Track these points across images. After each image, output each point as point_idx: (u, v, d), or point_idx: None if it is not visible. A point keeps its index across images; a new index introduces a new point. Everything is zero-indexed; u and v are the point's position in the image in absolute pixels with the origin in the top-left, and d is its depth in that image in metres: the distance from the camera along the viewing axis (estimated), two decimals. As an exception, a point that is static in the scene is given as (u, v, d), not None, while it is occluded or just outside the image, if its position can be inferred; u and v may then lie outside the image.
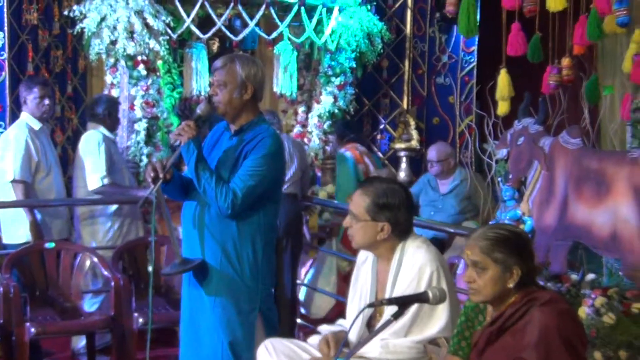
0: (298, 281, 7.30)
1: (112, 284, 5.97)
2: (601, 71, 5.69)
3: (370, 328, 3.97)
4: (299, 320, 7.19)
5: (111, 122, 7.03)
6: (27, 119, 6.60)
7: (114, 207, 6.89)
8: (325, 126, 8.89)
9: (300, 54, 8.88)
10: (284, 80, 8.71)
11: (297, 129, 9.12)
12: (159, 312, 6.16)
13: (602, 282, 4.74)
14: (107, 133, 6.93)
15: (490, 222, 5.38)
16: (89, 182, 6.72)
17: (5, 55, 7.98)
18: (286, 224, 6.69)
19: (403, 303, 3.32)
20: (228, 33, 8.18)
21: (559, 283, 4.77)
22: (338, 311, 6.97)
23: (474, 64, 9.52)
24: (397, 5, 9.77)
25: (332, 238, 7.94)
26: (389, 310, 3.64)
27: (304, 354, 4.10)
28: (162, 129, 7.94)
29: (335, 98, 8.87)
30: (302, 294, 7.68)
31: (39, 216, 6.50)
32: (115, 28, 7.55)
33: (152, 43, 7.60)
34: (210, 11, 7.95)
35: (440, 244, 7.15)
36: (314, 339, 4.20)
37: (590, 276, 4.75)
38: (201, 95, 8.27)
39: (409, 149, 9.44)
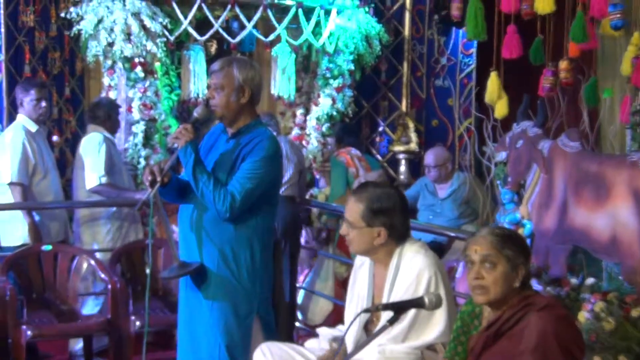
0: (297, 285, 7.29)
1: (109, 286, 5.96)
2: (600, 74, 5.68)
3: (368, 332, 3.96)
4: (297, 324, 7.17)
5: (111, 125, 7.06)
6: (24, 121, 6.58)
7: (113, 208, 6.88)
8: (323, 129, 8.87)
9: (298, 56, 8.86)
10: (282, 83, 8.69)
11: (296, 131, 9.10)
12: (156, 315, 6.14)
13: (601, 286, 4.72)
14: (107, 135, 6.93)
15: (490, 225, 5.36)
16: (87, 180, 6.72)
17: (2, 57, 7.98)
18: (284, 226, 6.67)
19: (399, 308, 3.30)
20: (226, 35, 8.17)
21: (559, 287, 4.75)
22: (335, 319, 6.96)
23: (473, 66, 9.50)
24: (395, 8, 9.74)
25: (329, 243, 7.92)
26: (386, 314, 3.62)
27: (300, 358, 4.09)
28: (159, 131, 7.93)
29: (334, 100, 8.85)
30: (299, 298, 7.66)
31: (36, 218, 6.49)
32: (112, 30, 7.52)
33: (150, 45, 7.58)
34: (208, 13, 7.93)
35: (439, 248, 7.14)
36: (311, 343, 4.19)
37: (590, 280, 4.73)
38: (199, 97, 8.25)
39: (408, 151, 9.42)
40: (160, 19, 7.66)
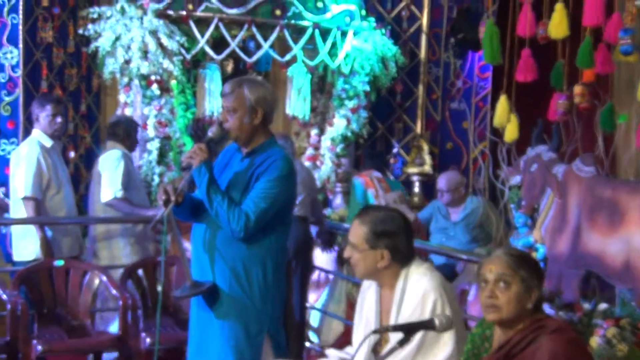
0: (307, 304, 7.27)
1: (120, 303, 5.95)
2: (616, 99, 5.66)
3: (376, 354, 3.94)
4: (307, 344, 7.15)
5: (130, 143, 7.08)
6: (39, 136, 6.61)
7: (128, 225, 6.90)
8: (338, 149, 8.88)
9: (314, 76, 8.88)
10: (297, 103, 8.71)
11: (310, 151, 9.11)
12: (167, 332, 6.13)
13: (614, 312, 4.69)
14: (126, 152, 6.95)
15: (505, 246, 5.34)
16: (102, 194, 6.75)
17: (20, 72, 8.02)
18: (295, 246, 6.67)
19: (409, 330, 3.30)
20: (242, 54, 8.20)
21: (571, 312, 4.73)
22: (346, 340, 6.93)
23: (489, 89, 9.50)
24: (412, 30, 9.77)
25: (343, 263, 7.91)
26: (395, 336, 3.61)
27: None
28: (174, 149, 7.95)
29: (349, 121, 8.86)
30: (314, 319, 7.64)
31: (49, 233, 6.50)
32: (129, 47, 7.58)
33: (166, 63, 7.62)
34: (225, 32, 7.97)
35: (452, 271, 7.12)
36: (320, 364, 4.17)
37: (603, 306, 4.70)
38: (214, 115, 8.27)
39: (422, 173, 9.42)
40: (178, 38, 7.70)
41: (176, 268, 6.29)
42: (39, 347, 5.66)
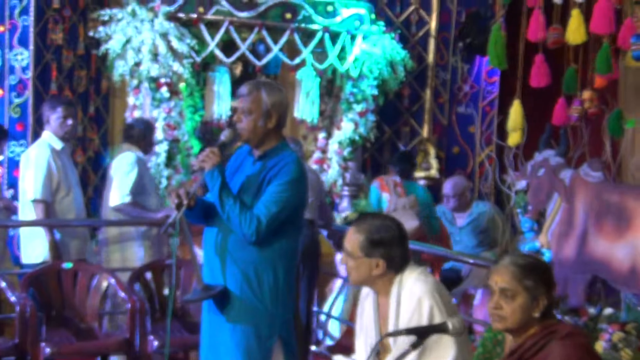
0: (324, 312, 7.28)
1: (128, 305, 5.97)
2: (624, 105, 5.68)
3: (379, 363, 3.96)
4: (313, 347, 7.16)
5: (145, 145, 7.03)
6: (49, 139, 6.60)
7: (142, 228, 6.90)
8: (345, 153, 8.89)
9: (323, 80, 8.90)
10: (305, 106, 8.73)
11: (317, 154, 9.12)
12: (174, 336, 6.12)
13: (620, 317, 4.70)
14: (141, 155, 6.94)
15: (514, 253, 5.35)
16: (111, 198, 6.72)
17: (30, 74, 8.05)
18: (303, 250, 6.67)
19: (422, 333, 3.31)
20: (252, 57, 8.23)
21: (577, 316, 4.74)
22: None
23: (496, 94, 9.51)
24: (420, 34, 9.79)
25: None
26: (397, 343, 3.64)
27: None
28: (182, 151, 7.96)
29: (356, 125, 8.88)
30: (334, 329, 7.64)
31: (58, 236, 6.51)
32: (139, 50, 7.60)
33: (176, 66, 7.65)
34: (235, 35, 8.00)
35: (457, 275, 7.13)
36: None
37: (608, 310, 4.71)
38: (222, 118, 8.29)
39: (428, 177, 9.43)
40: (188, 40, 7.73)
41: (184, 271, 6.30)
42: (47, 350, 5.66)
